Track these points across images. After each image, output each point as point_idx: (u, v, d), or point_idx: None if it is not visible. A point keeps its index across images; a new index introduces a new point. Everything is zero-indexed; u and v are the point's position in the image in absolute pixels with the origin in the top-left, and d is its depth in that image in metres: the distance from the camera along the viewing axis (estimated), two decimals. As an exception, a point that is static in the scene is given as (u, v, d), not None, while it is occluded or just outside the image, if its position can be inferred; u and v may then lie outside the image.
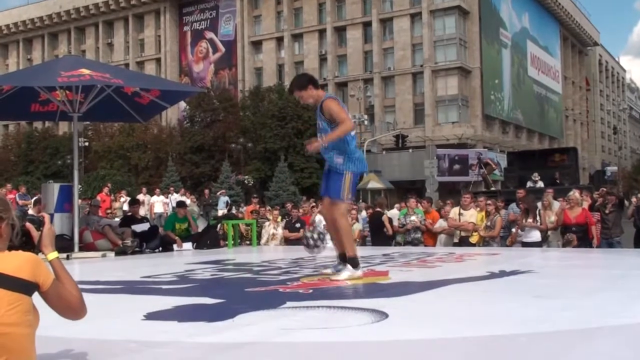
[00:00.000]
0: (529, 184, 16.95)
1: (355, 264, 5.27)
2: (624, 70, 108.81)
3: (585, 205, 10.97)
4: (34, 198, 15.05)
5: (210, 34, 66.48)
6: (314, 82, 5.46)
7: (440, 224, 11.06)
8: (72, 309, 2.13)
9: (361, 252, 9.31)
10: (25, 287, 1.96)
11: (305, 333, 3.17)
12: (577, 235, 9.73)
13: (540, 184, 16.80)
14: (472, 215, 10.44)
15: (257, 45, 64.75)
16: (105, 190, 22.97)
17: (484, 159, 20.63)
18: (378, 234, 11.70)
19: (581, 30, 79.19)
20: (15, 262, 1.98)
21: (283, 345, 2.94)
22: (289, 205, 14.62)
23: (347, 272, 5.20)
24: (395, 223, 11.43)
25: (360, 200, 28.72)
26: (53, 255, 2.14)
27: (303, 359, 2.71)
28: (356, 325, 3.34)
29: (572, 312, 3.70)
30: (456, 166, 47.64)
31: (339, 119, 5.18)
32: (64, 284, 2.09)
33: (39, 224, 2.16)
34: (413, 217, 11.22)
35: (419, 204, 11.90)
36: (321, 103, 5.26)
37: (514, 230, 10.50)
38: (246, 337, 3.07)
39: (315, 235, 5.55)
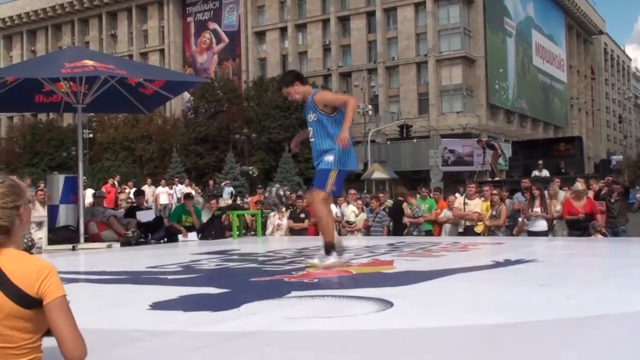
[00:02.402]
0: (535, 172, 16.86)
1: (329, 249, 5.35)
2: (629, 59, 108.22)
3: (591, 194, 10.94)
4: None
5: (213, 25, 66.33)
6: (300, 77, 5.50)
7: (445, 213, 11.06)
8: (67, 339, 1.87)
9: (366, 242, 9.37)
10: (25, 300, 1.84)
11: (310, 322, 3.18)
12: (583, 224, 9.73)
13: (545, 173, 16.71)
14: (477, 205, 10.44)
15: (260, 35, 64.58)
16: (111, 181, 22.96)
17: (490, 141, 20.52)
18: (399, 223, 11.59)
19: (586, 18, 78.70)
20: (23, 270, 1.86)
21: (288, 334, 2.95)
22: (293, 196, 14.58)
23: (332, 259, 5.30)
24: (407, 212, 11.43)
25: (365, 191, 28.68)
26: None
27: (308, 348, 2.72)
28: (361, 314, 3.35)
29: (576, 301, 3.70)
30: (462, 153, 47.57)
31: (339, 101, 5.32)
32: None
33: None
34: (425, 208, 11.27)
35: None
36: (312, 97, 5.30)
37: (520, 219, 10.48)
38: (251, 327, 3.08)
39: (281, 192, 5.96)
